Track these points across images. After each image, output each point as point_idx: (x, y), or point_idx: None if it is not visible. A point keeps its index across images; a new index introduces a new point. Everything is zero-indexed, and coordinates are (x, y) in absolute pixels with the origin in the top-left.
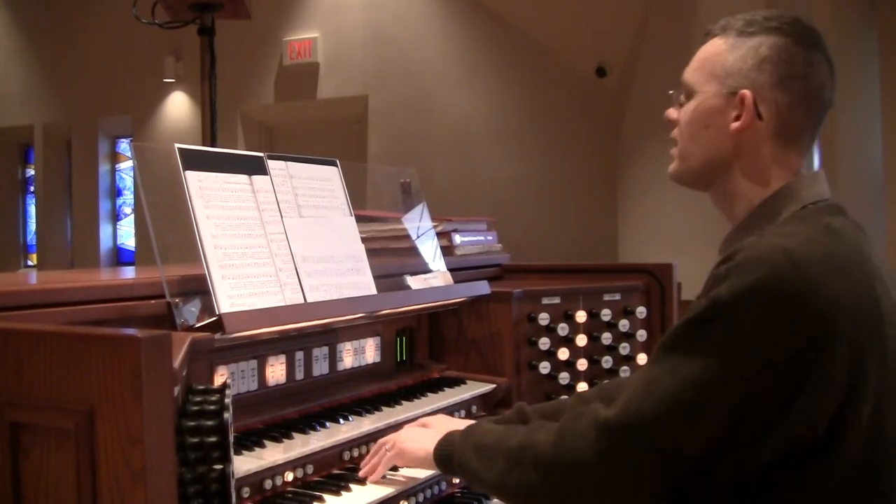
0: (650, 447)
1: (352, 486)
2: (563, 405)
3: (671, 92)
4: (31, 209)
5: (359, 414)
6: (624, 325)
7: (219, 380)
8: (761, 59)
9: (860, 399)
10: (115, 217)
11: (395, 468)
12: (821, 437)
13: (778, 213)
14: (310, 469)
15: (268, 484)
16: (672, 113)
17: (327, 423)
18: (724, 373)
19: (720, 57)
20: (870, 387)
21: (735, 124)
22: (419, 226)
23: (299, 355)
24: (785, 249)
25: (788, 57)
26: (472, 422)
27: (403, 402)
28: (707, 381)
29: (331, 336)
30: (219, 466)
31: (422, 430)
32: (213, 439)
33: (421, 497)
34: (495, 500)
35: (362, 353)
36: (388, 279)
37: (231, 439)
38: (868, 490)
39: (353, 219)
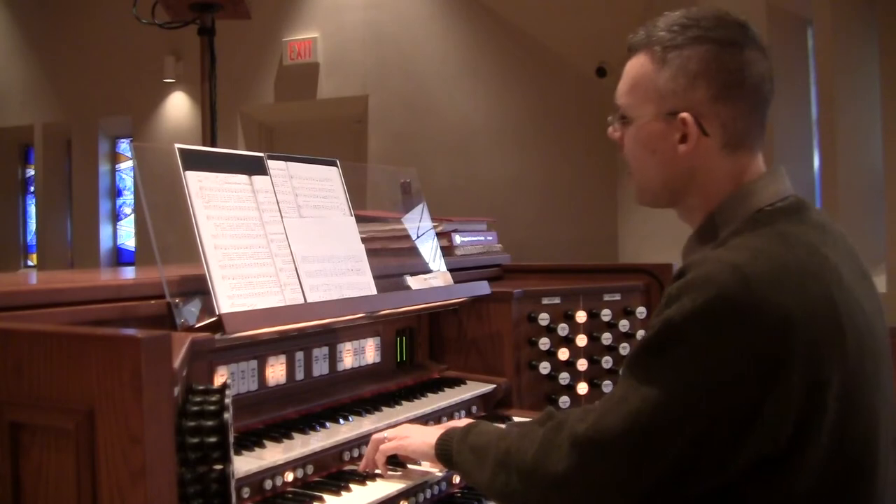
0: (616, 464)
1: (352, 485)
2: None
3: (609, 118)
4: (31, 209)
5: (359, 414)
6: (624, 325)
7: (219, 380)
8: (693, 76)
9: (819, 409)
10: (115, 217)
11: (397, 468)
12: (783, 449)
13: (731, 218)
14: (310, 469)
15: (268, 484)
16: (614, 132)
17: (327, 424)
18: (681, 395)
19: (649, 78)
20: (829, 395)
21: (682, 147)
22: (419, 226)
23: (299, 355)
24: (734, 266)
25: (720, 66)
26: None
27: (403, 402)
28: (666, 404)
29: (331, 336)
30: (219, 466)
31: (421, 427)
32: (213, 439)
33: (421, 497)
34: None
35: (362, 353)
36: (388, 279)
37: (231, 439)
38: (836, 494)
39: (353, 219)
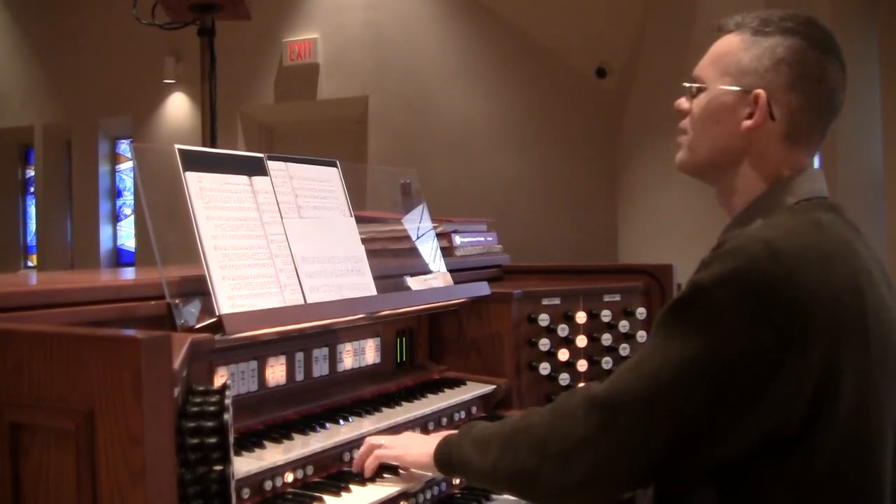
0: (635, 423)
1: (352, 486)
2: None
3: (686, 84)
4: (31, 210)
5: (359, 415)
6: (624, 325)
7: (219, 381)
8: (778, 60)
9: (835, 393)
10: (115, 218)
11: (395, 470)
12: (796, 430)
13: (772, 206)
14: (310, 470)
15: (268, 485)
16: (683, 103)
17: (327, 424)
18: (700, 356)
19: (735, 55)
20: (847, 381)
21: (747, 122)
22: (419, 226)
23: (299, 356)
24: (765, 240)
25: (804, 59)
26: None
27: (403, 402)
28: (684, 363)
29: (331, 337)
30: (219, 467)
31: (419, 436)
32: (213, 440)
33: (421, 498)
34: (496, 500)
35: (362, 353)
36: (389, 280)
37: (231, 440)
38: (847, 483)
39: (353, 219)
